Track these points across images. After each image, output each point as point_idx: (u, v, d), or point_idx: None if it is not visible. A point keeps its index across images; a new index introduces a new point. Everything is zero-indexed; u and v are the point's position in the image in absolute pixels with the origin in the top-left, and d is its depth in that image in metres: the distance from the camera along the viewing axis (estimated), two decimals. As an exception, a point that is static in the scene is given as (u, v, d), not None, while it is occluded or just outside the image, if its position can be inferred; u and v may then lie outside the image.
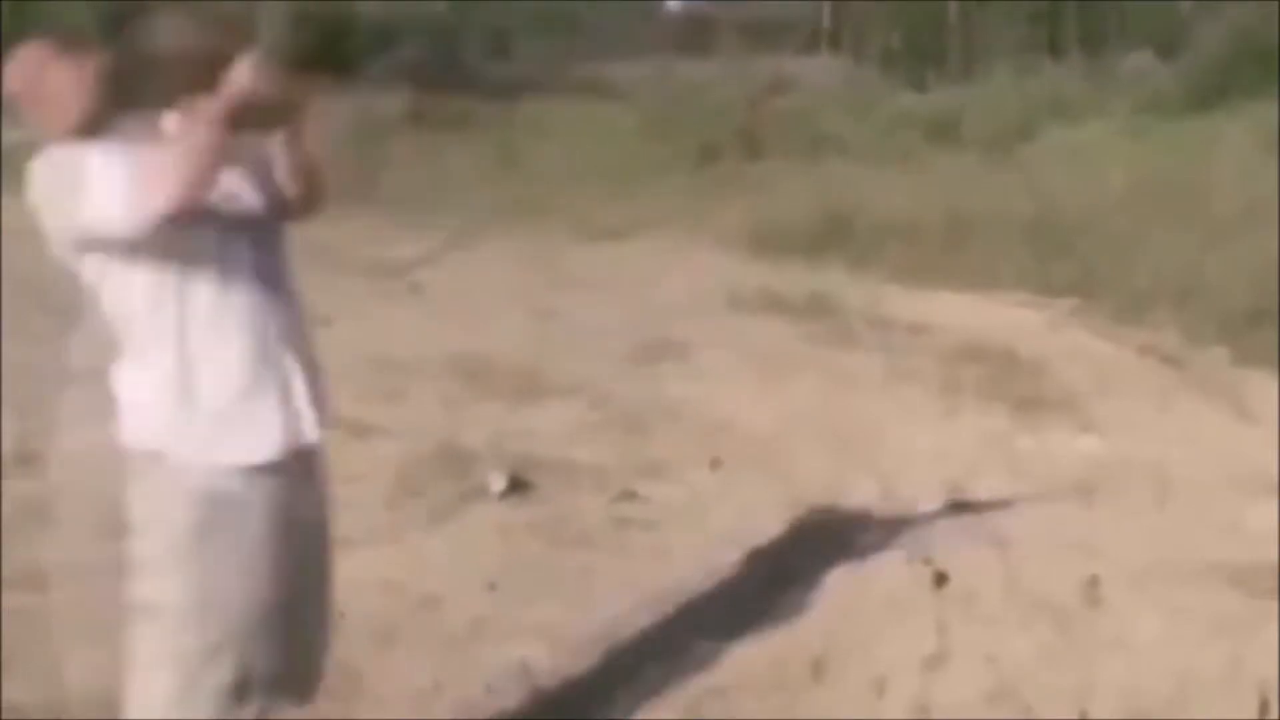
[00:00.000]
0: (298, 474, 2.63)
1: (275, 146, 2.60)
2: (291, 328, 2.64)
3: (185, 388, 2.50)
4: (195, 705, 2.52)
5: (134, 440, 2.56)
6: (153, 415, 2.53)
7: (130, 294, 2.47)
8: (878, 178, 14.05)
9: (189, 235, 2.43)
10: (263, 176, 2.63)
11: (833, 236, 11.65)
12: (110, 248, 2.42)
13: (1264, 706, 3.73)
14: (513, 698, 3.79)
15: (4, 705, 3.61)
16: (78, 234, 2.43)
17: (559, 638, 4.11)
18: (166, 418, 2.51)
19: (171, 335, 2.49)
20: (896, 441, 6.30)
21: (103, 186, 2.37)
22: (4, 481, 5.46)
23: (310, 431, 2.61)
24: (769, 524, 5.14)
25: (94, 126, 2.52)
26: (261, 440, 2.55)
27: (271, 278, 2.60)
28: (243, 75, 2.37)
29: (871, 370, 7.63)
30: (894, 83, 28.71)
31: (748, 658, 4.00)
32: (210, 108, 2.37)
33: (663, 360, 7.88)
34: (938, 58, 34.92)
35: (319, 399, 2.66)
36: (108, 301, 2.51)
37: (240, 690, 2.54)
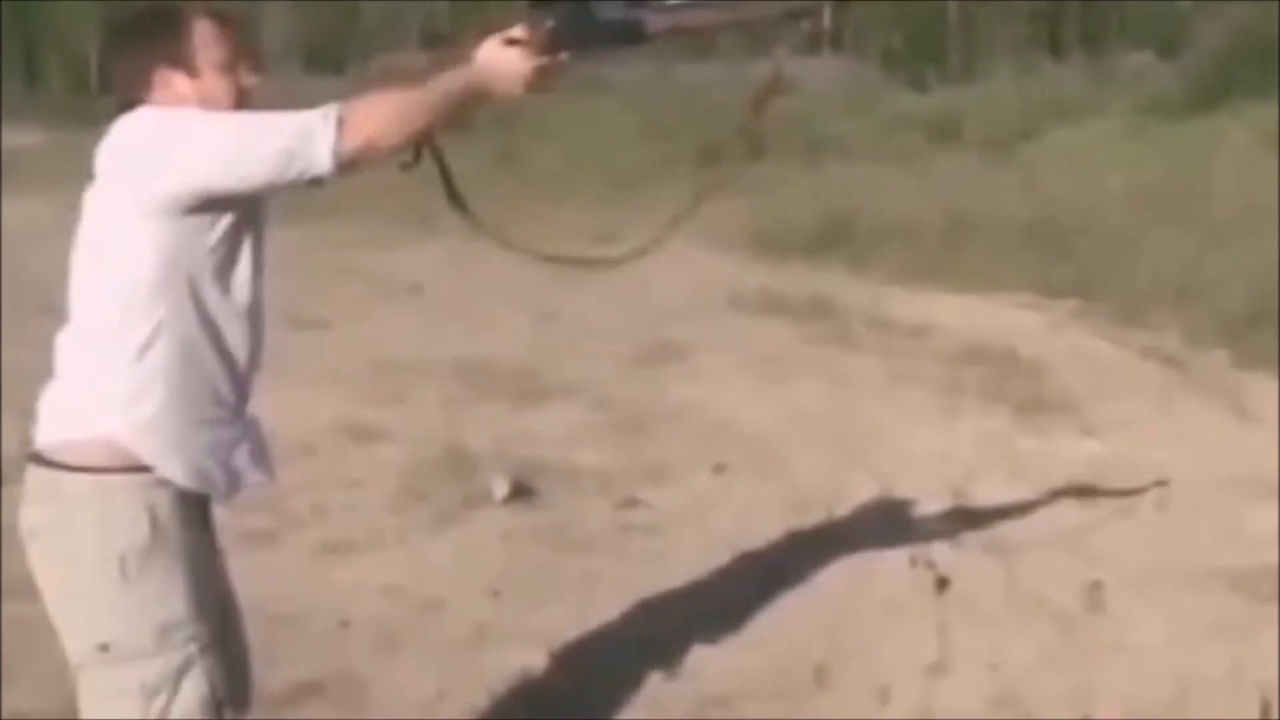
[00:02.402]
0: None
1: None
2: (258, 360, 2.51)
3: (170, 388, 2.34)
4: None
5: (80, 434, 2.36)
6: (124, 410, 2.33)
7: (144, 270, 2.30)
8: (878, 178, 14.06)
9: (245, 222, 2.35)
10: None
11: (833, 237, 11.67)
12: (213, 204, 2.29)
13: (1265, 708, 3.73)
14: (515, 704, 3.79)
15: (5, 713, 3.62)
16: (208, 178, 2.26)
17: (561, 643, 4.12)
18: (138, 415, 2.33)
19: (169, 330, 2.33)
20: (897, 443, 6.30)
21: (289, 124, 2.24)
22: (4, 487, 5.46)
23: (257, 479, 2.50)
24: (770, 527, 5.15)
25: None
26: (220, 470, 2.42)
27: (260, 300, 2.48)
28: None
29: (872, 372, 7.64)
30: (895, 83, 28.78)
31: (750, 664, 4.00)
32: (474, 78, 2.33)
33: (663, 362, 7.89)
34: (939, 58, 34.97)
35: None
36: (119, 274, 2.32)
37: (210, 706, 2.46)
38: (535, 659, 4.01)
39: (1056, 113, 18.68)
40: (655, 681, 3.89)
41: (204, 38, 2.41)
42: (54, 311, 2.51)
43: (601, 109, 20.38)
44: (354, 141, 2.23)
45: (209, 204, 2.30)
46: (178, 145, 2.27)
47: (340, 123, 2.23)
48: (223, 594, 2.56)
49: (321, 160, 2.23)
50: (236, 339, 2.43)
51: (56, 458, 2.38)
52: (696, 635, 4.17)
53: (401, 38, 44.09)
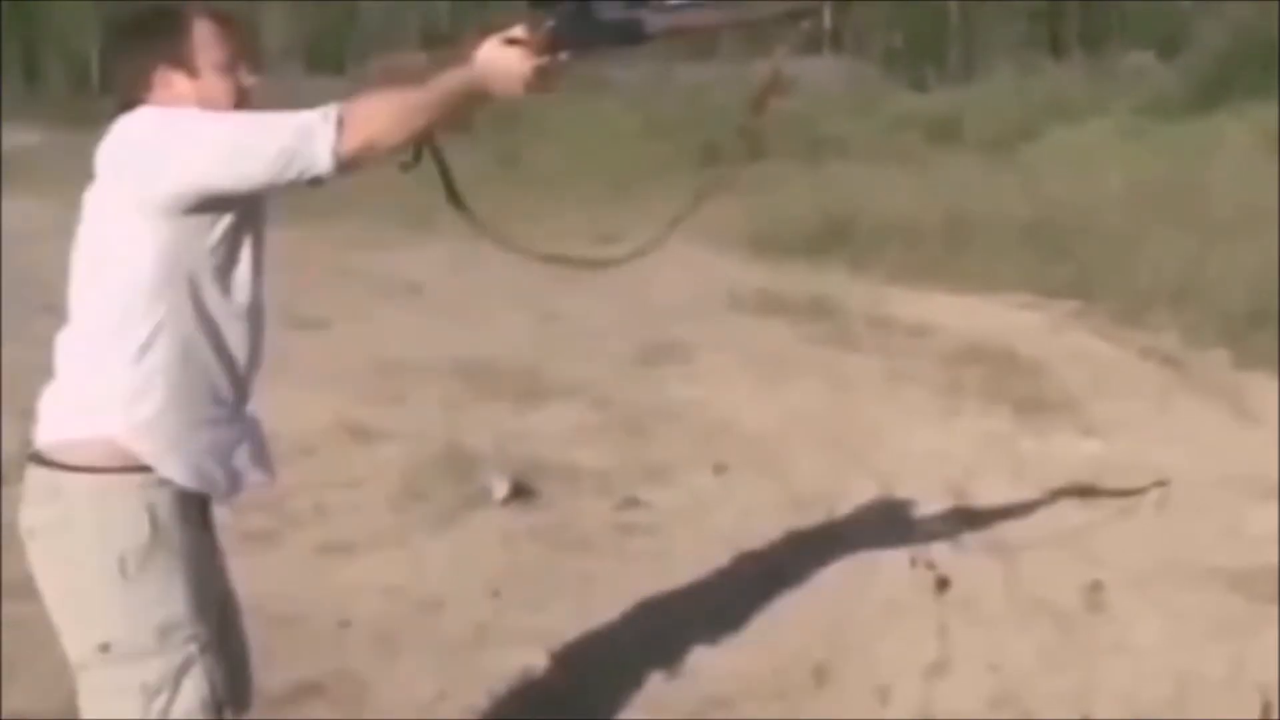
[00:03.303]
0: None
1: None
2: (258, 360, 2.51)
3: (169, 388, 2.34)
4: None
5: (79, 434, 2.35)
6: (124, 410, 2.33)
7: (144, 270, 2.30)
8: (878, 178, 14.06)
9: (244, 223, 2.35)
10: None
11: (833, 237, 11.67)
12: (211, 204, 2.29)
13: (1265, 708, 3.73)
14: (515, 704, 3.79)
15: (5, 713, 3.62)
16: (204, 178, 2.25)
17: (562, 643, 4.12)
18: (138, 415, 2.33)
19: (169, 330, 2.33)
20: (897, 443, 6.30)
21: (289, 124, 2.23)
22: (4, 486, 5.46)
23: (257, 479, 2.50)
24: (770, 527, 5.15)
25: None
26: (221, 470, 2.43)
27: (260, 301, 2.48)
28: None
29: (872, 372, 7.64)
30: (895, 83, 28.80)
31: (749, 664, 4.00)
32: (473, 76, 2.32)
33: (664, 362, 7.89)
34: (939, 58, 34.98)
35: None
36: (120, 273, 2.32)
37: (211, 706, 2.45)
38: (535, 659, 4.01)
39: (1056, 113, 18.69)
40: (655, 681, 3.89)
41: (203, 38, 2.40)
42: (54, 311, 2.51)
43: (602, 109, 20.38)
44: (354, 141, 2.23)
45: (209, 204, 2.30)
46: (178, 144, 2.27)
47: (340, 122, 2.22)
48: (223, 594, 2.56)
49: (322, 160, 2.22)
50: (236, 339, 2.43)
51: (56, 458, 2.37)
52: (696, 635, 4.17)
53: (401, 38, 44.10)
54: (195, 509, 2.44)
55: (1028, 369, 7.61)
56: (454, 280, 10.65)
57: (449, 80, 2.33)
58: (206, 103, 2.38)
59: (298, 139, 2.22)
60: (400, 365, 7.62)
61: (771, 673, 3.96)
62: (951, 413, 6.82)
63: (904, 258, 10.83)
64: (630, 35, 2.42)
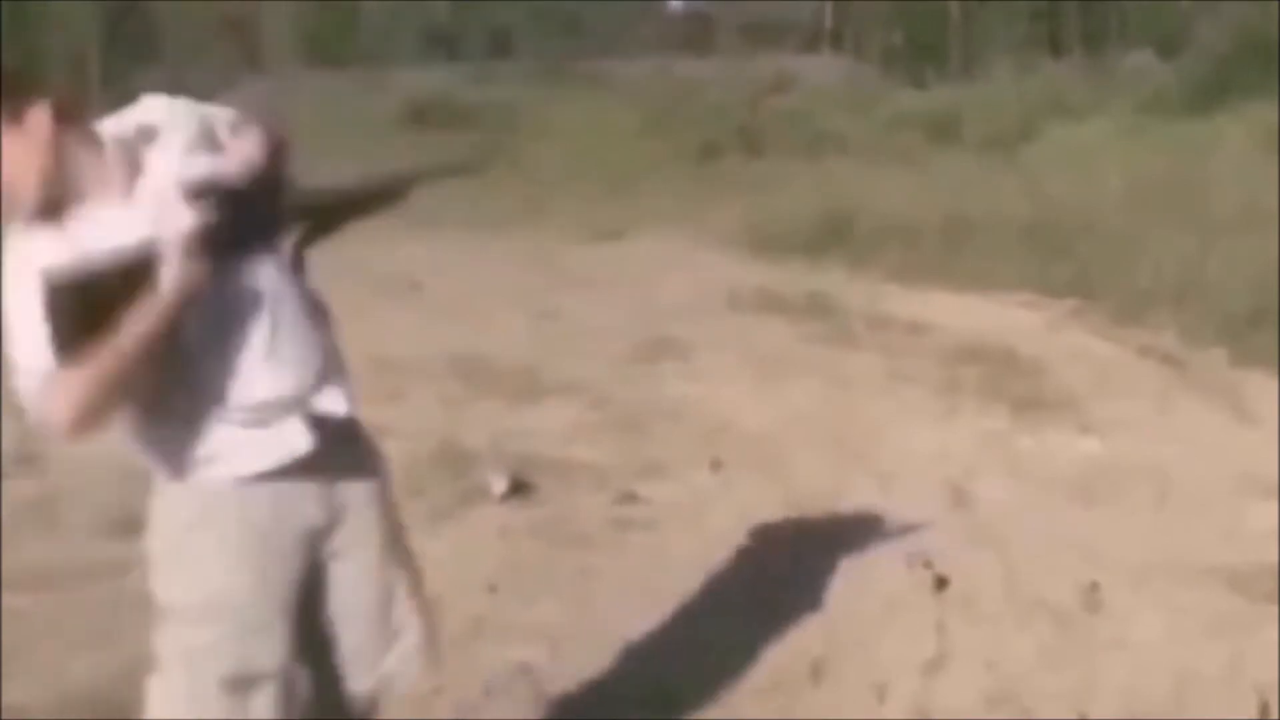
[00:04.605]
0: (304, 476, 2.56)
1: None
2: (295, 324, 2.62)
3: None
4: (199, 703, 2.46)
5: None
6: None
7: None
8: (878, 177, 14.06)
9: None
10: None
11: (832, 236, 11.67)
12: None
13: (1264, 708, 3.73)
14: (512, 699, 3.79)
15: (5, 706, 3.61)
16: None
17: (559, 639, 4.12)
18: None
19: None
20: (896, 442, 6.30)
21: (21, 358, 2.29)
22: (4, 482, 5.47)
23: (301, 443, 2.55)
24: (768, 525, 5.14)
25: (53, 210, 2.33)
26: (245, 458, 2.49)
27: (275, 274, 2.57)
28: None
29: (871, 370, 7.63)
30: (895, 81, 28.80)
31: (747, 660, 4.00)
32: (147, 315, 2.28)
33: (662, 360, 7.89)
34: (939, 56, 34.98)
35: (326, 400, 2.63)
36: None
37: (241, 686, 2.47)
38: (532, 654, 4.01)
39: (1056, 112, 18.69)
40: (652, 677, 3.88)
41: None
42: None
43: (601, 106, 20.38)
44: (62, 423, 2.30)
45: None
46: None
47: (51, 400, 2.28)
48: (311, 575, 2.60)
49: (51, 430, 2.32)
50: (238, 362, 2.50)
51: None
52: (693, 632, 4.17)
53: (401, 38, 44.10)
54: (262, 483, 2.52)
55: (1027, 368, 7.61)
56: (453, 278, 10.64)
57: (140, 324, 2.29)
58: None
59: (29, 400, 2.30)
60: (399, 363, 7.61)
61: (769, 669, 3.95)
62: (950, 411, 6.81)
63: (903, 257, 10.83)
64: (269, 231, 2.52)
